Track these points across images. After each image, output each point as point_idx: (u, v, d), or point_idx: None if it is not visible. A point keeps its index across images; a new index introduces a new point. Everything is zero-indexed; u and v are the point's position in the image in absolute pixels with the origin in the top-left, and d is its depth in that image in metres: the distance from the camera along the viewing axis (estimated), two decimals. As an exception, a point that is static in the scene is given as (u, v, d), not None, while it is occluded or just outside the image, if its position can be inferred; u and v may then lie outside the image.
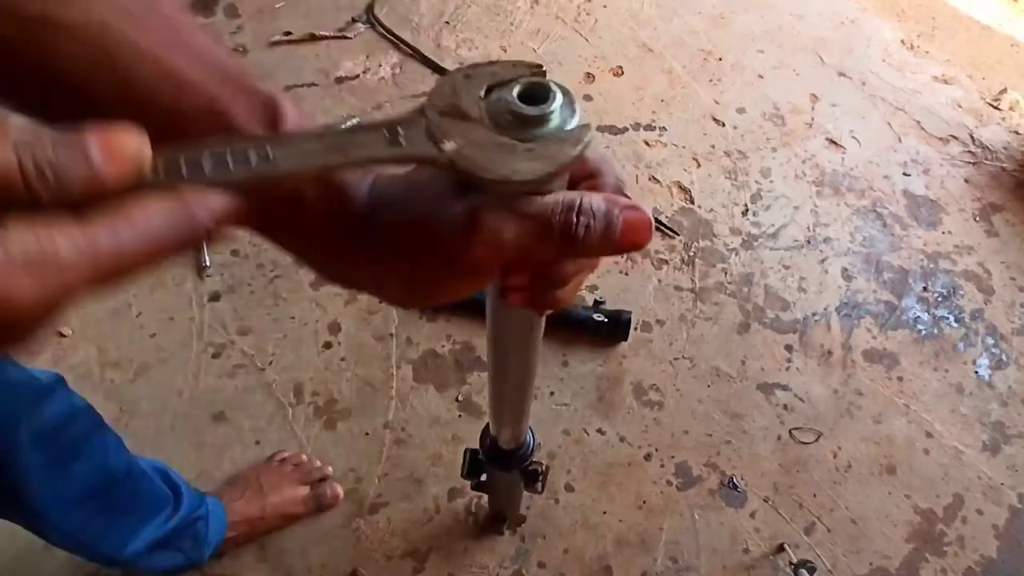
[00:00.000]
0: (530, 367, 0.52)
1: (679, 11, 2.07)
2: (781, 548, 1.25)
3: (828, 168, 1.78)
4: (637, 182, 1.69)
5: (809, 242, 1.64)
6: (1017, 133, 1.90)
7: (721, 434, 1.37)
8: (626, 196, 0.30)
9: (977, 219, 1.73)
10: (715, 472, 1.32)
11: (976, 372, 1.49)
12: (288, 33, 1.85)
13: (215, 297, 1.43)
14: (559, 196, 0.29)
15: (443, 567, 1.20)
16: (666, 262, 1.57)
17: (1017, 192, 1.78)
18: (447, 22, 1.96)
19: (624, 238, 0.28)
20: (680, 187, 1.70)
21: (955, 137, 1.88)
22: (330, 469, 1.25)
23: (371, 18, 1.93)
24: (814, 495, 1.32)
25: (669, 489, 1.30)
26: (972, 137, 1.88)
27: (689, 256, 1.59)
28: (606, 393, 1.39)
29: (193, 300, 1.43)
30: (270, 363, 1.37)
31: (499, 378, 0.55)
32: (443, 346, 1.41)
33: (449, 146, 0.28)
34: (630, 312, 1.43)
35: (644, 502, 1.29)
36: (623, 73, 1.91)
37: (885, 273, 1.61)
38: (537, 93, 0.29)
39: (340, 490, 1.23)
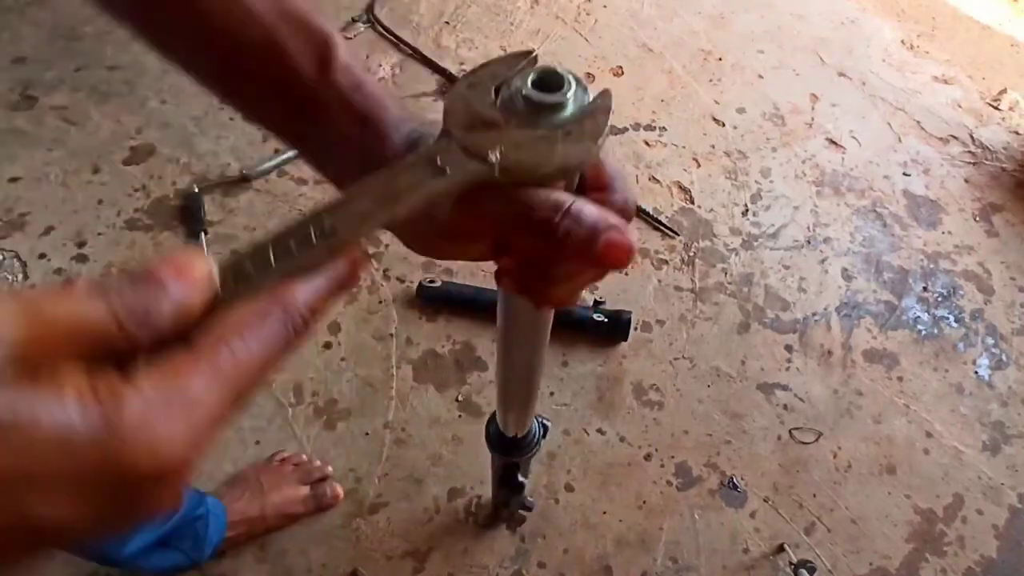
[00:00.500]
0: (533, 361, 0.52)
1: (679, 11, 2.07)
2: (781, 548, 1.25)
3: (828, 168, 1.78)
4: (637, 182, 1.69)
5: (809, 242, 1.64)
6: (1017, 133, 1.90)
7: (721, 434, 1.36)
8: (627, 217, 0.31)
9: (977, 219, 1.73)
10: (715, 472, 1.32)
11: (976, 372, 1.49)
12: (288, 33, 1.85)
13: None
14: (552, 194, 0.29)
15: (443, 567, 1.20)
16: (666, 262, 1.57)
17: (1017, 192, 1.78)
18: (447, 22, 1.96)
19: (603, 253, 0.28)
20: (680, 187, 1.70)
21: (955, 137, 1.88)
22: (330, 469, 1.25)
23: (371, 18, 1.93)
24: (814, 495, 1.32)
25: (669, 489, 1.30)
26: (972, 137, 1.88)
27: (689, 256, 1.59)
28: (606, 393, 1.39)
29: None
30: (270, 363, 1.37)
31: (504, 366, 0.55)
32: (443, 346, 1.41)
33: (493, 157, 0.28)
34: (630, 312, 1.43)
35: (644, 502, 1.28)
36: (623, 73, 1.91)
37: (885, 273, 1.61)
38: (549, 80, 0.29)
39: (340, 490, 1.23)
